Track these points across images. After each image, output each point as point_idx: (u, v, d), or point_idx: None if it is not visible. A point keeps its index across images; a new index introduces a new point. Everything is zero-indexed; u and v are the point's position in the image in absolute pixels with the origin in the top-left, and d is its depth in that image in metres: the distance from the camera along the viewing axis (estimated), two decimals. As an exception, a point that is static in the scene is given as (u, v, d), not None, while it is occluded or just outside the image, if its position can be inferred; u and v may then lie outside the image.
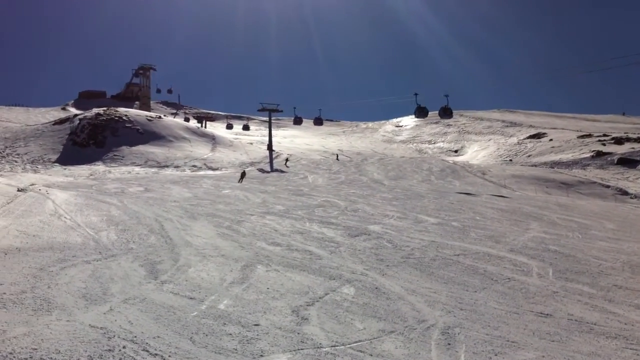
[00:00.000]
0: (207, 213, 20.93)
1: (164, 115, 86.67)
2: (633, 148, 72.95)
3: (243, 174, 44.05)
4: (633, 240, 21.18)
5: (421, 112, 42.30)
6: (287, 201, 27.36)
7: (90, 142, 62.34)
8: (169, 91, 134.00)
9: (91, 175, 46.84)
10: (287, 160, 58.63)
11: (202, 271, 11.72)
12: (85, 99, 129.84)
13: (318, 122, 65.08)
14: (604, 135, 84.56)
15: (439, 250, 16.14)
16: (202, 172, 50.72)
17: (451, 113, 41.68)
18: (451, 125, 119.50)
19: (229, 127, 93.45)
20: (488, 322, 9.58)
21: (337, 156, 69.50)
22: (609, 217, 30.26)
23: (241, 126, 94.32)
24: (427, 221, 22.69)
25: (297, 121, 74.19)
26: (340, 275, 12.37)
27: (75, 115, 75.94)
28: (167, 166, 53.73)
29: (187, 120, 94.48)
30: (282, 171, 54.62)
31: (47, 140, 63.05)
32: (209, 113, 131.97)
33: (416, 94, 40.94)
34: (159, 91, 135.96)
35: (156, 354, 7.00)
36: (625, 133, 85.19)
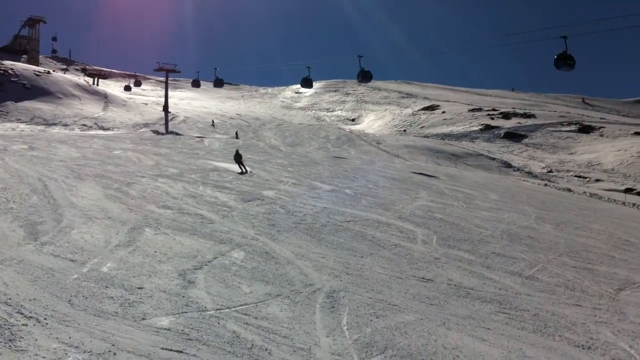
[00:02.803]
0: (95, 174, 20.20)
1: (53, 71, 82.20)
2: (519, 123, 76.62)
3: (238, 157, 27.16)
4: (513, 211, 22.33)
5: (365, 77, 37.83)
6: (181, 164, 26.86)
7: (-29, 96, 58.39)
8: (54, 39, 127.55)
9: (-29, 130, 44.06)
10: (237, 133, 57.41)
11: (86, 233, 11.33)
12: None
13: (218, 83, 61.60)
14: (493, 109, 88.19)
15: (330, 217, 16.38)
16: (92, 132, 48.84)
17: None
18: (349, 94, 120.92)
19: (138, 84, 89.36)
20: (372, 286, 9.86)
21: (213, 122, 67.17)
22: (492, 188, 31.72)
23: (138, 85, 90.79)
24: (321, 188, 22.95)
25: (196, 84, 72.30)
26: (230, 239, 12.33)
27: (-45, 66, 70.83)
28: (55, 124, 51.31)
29: (88, 82, 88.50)
30: (177, 133, 53.54)
31: None
32: (101, 70, 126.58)
33: (360, 56, 37.10)
34: (54, 51, 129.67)
35: (31, 317, 6.74)
36: (512, 108, 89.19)
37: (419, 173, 35.76)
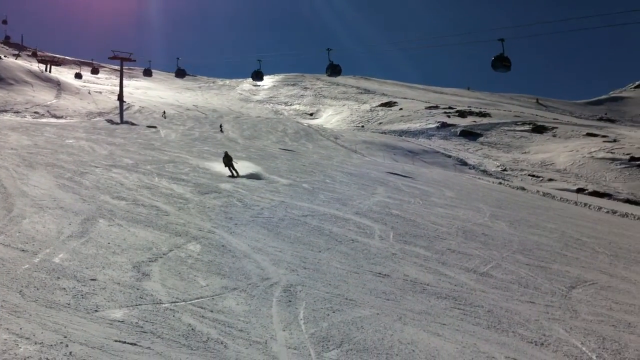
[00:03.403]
0: (47, 163, 19.74)
1: (5, 56, 79.99)
2: (475, 122, 77.62)
3: (228, 160, 24.07)
4: (468, 208, 22.60)
5: (334, 70, 36.01)
6: (136, 155, 26.44)
7: None
8: (4, 22, 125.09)
9: None
10: (221, 126, 55.99)
11: (38, 223, 11.05)
12: None
13: (180, 74, 59.73)
14: (450, 107, 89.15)
15: (287, 211, 16.34)
16: (44, 120, 47.62)
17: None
18: (308, 88, 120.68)
19: (95, 71, 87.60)
20: (329, 281, 9.85)
21: (164, 113, 65.36)
22: (448, 186, 32.07)
23: (95, 73, 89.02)
24: (278, 182, 22.88)
25: (147, 73, 71.20)
26: (187, 232, 12.19)
27: None
28: (5, 111, 49.79)
29: (41, 69, 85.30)
30: (132, 123, 52.57)
31: None
32: (54, 57, 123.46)
33: (329, 49, 35.47)
34: (7, 38, 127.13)
35: (-20, 308, 6.53)
36: (468, 107, 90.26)
37: (394, 173, 35.05)
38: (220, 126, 57.91)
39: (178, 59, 57.41)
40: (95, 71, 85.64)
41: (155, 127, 51.19)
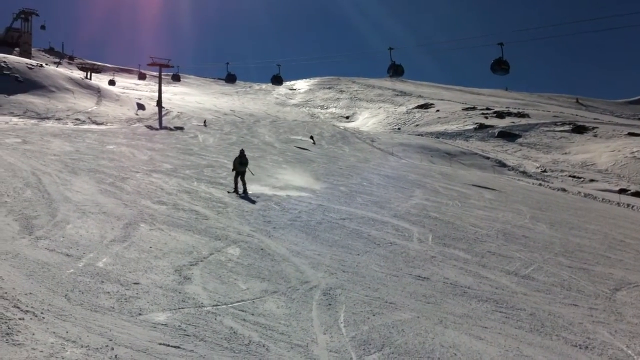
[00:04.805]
0: (89, 168, 20.08)
1: (46, 64, 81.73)
2: (513, 122, 76.74)
3: (240, 163, 19.05)
4: (508, 210, 22.35)
5: (396, 71, 33.69)
6: (175, 160, 26.73)
7: (-37, 89, 57.89)
8: (42, 27, 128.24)
9: (-37, 123, 43.76)
10: (312, 137, 55.15)
11: (81, 228, 11.25)
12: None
13: (231, 79, 58.95)
14: (487, 108, 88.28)
15: (325, 214, 16.36)
16: (85, 126, 48.49)
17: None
18: (344, 91, 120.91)
19: (142, 77, 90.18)
20: (368, 284, 9.83)
21: (205, 122, 64.76)
22: (487, 187, 31.71)
23: (142, 79, 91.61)
24: (315, 185, 22.90)
25: (176, 78, 73.20)
26: (226, 235, 12.29)
27: (-53, 58, 70.23)
28: (47, 118, 50.72)
29: (82, 77, 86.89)
30: (171, 129, 53.20)
31: None
32: (94, 64, 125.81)
33: (391, 49, 33.63)
34: (51, 49, 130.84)
35: (27, 311, 6.67)
36: (506, 107, 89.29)
37: (478, 186, 32.87)
38: (312, 137, 55.92)
39: (228, 64, 56.76)
40: (142, 76, 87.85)
41: (182, 128, 51.97)
